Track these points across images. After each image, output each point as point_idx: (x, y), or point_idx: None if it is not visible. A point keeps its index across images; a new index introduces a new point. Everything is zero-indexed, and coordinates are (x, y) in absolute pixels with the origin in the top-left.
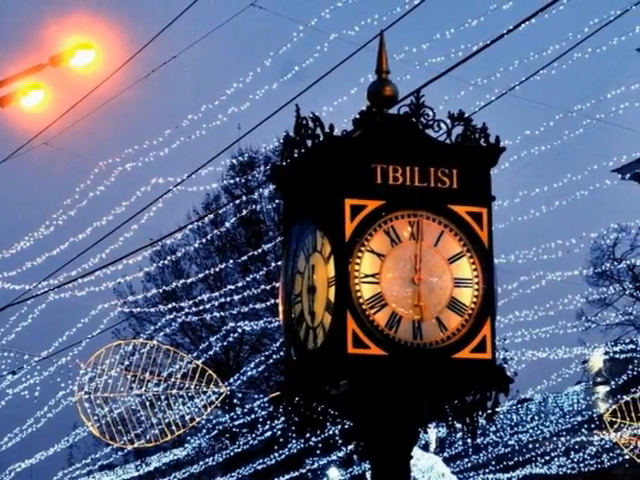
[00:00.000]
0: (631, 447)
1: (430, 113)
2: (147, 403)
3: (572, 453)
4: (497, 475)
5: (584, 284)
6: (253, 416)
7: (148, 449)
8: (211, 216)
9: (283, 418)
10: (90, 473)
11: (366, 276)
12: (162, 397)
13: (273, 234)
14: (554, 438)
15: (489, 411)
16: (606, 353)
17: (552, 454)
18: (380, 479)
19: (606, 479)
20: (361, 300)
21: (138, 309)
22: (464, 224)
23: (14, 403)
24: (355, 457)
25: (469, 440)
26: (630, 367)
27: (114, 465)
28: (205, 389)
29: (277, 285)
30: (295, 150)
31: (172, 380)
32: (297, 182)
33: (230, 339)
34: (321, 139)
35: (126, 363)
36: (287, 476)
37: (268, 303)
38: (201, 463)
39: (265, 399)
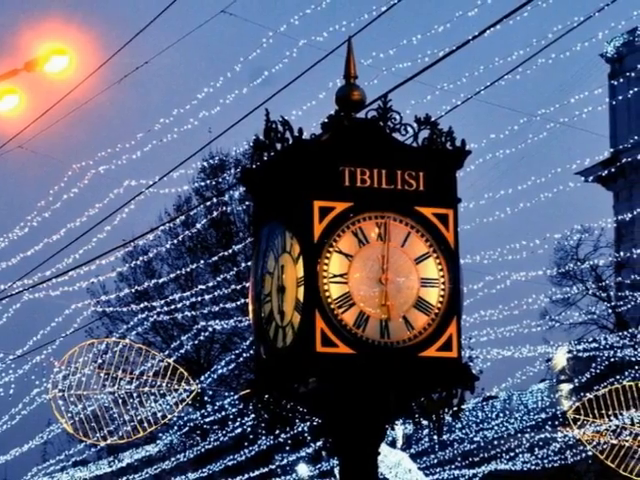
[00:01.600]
0: (594, 444)
1: (397, 117)
2: (120, 400)
3: (536, 449)
4: (463, 471)
5: (548, 284)
6: (224, 413)
7: (121, 445)
8: (182, 217)
9: (253, 415)
10: (64, 469)
11: (334, 276)
12: (134, 395)
13: (243, 235)
14: (519, 435)
15: (455, 408)
16: (569, 351)
17: (517, 450)
18: (348, 475)
19: (569, 475)
20: (330, 300)
21: (111, 308)
22: (430, 225)
23: None
24: (324, 453)
25: (435, 437)
26: (593, 365)
27: (87, 461)
28: (176, 387)
29: (247, 285)
30: (265, 153)
31: (144, 378)
32: (267, 184)
33: (201, 338)
34: (290, 142)
35: (99, 361)
36: (257, 472)
37: (238, 302)
38: (172, 459)
39: (235, 396)
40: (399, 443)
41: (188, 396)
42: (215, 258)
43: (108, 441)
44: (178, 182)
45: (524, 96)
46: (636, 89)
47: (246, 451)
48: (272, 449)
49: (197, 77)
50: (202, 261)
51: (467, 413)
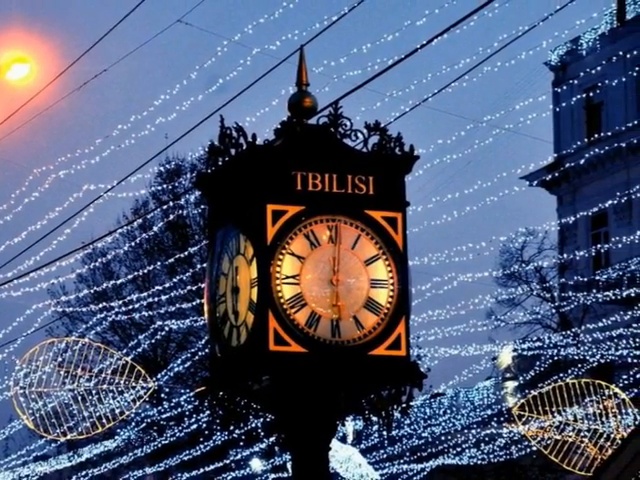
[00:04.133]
0: (538, 439)
1: (348, 123)
2: (79, 397)
3: (482, 445)
4: (411, 465)
5: (494, 285)
6: (179, 410)
7: (80, 441)
8: (140, 221)
9: (208, 412)
10: (25, 464)
11: (287, 277)
12: (93, 392)
13: (199, 238)
14: (465, 430)
15: (404, 405)
16: (514, 350)
17: (463, 446)
18: (300, 469)
19: (514, 469)
20: (282, 300)
21: (70, 308)
22: (380, 228)
23: None
24: (276, 448)
25: (385, 432)
26: (537, 363)
27: (48, 456)
28: (134, 384)
29: (203, 286)
30: (220, 158)
31: (103, 376)
32: (222, 189)
33: (158, 337)
34: (244, 148)
35: (59, 360)
36: (212, 467)
37: (194, 303)
38: (130, 454)
39: (191, 394)
40: (350, 439)
41: (145, 393)
42: (171, 260)
43: (68, 437)
44: (135, 186)
45: (470, 103)
46: (579, 96)
47: (201, 446)
48: (227, 444)
49: (154, 85)
50: (159, 263)
51: (415, 410)
